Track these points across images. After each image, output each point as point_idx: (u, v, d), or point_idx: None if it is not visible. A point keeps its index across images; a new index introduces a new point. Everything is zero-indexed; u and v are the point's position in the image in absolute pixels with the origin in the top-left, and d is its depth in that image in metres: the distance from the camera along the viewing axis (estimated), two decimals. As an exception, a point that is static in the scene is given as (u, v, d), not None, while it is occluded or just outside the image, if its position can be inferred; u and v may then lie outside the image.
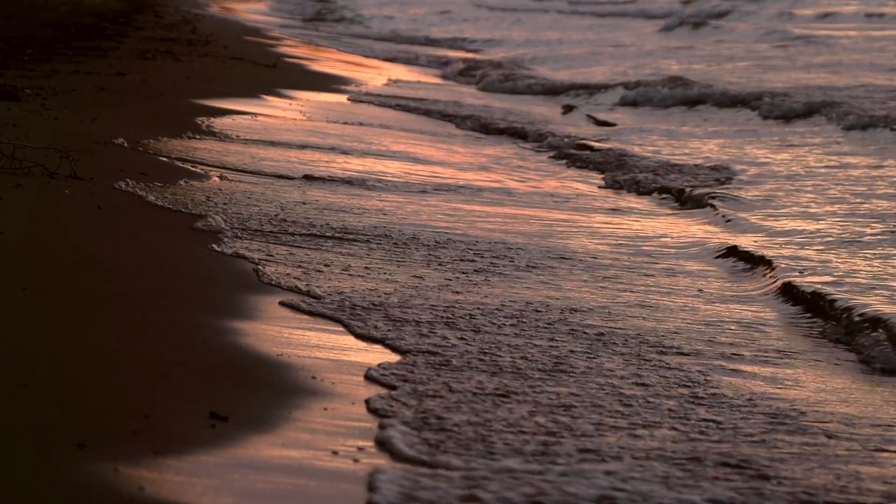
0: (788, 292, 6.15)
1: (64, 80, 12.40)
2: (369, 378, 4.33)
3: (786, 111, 15.13)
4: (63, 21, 21.05)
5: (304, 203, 7.60)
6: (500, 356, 4.73)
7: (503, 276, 6.20)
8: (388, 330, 4.94)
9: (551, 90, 18.83)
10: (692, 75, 19.07)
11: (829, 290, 6.05)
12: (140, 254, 5.84)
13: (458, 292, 5.73)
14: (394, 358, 4.62)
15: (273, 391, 4.08)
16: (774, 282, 6.37)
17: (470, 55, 26.35)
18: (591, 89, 18.46)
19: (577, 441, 3.87)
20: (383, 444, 3.67)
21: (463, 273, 6.15)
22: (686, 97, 16.88)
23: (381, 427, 3.80)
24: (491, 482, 3.45)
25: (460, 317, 5.26)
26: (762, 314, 5.91)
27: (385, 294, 5.53)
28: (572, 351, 4.91)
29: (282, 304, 5.18)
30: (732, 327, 5.60)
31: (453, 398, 4.17)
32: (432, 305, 5.40)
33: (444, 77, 20.00)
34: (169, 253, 5.92)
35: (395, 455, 3.61)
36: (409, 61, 23.68)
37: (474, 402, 4.15)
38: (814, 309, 5.88)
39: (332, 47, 25.82)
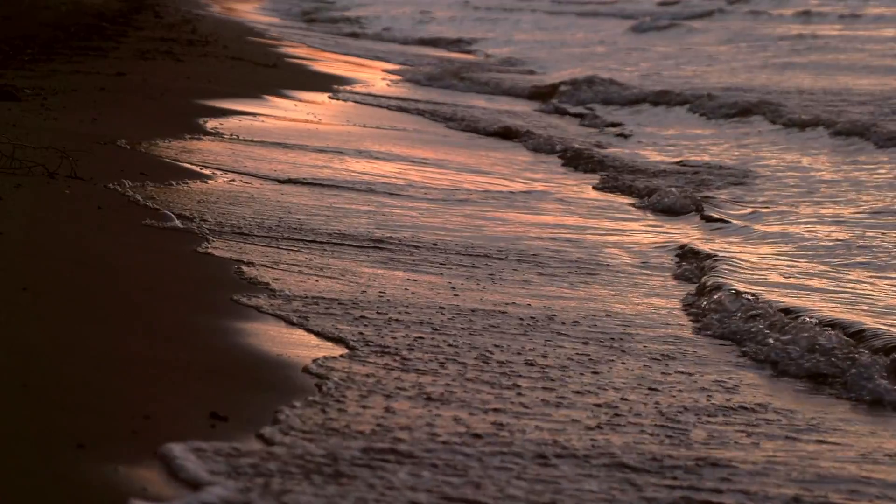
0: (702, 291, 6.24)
1: (64, 80, 12.40)
2: (306, 371, 4.31)
3: (721, 110, 15.36)
4: (63, 21, 21.04)
5: (304, 206, 7.60)
6: (460, 359, 4.69)
7: (506, 281, 6.18)
8: (345, 329, 4.91)
9: (524, 91, 18.98)
10: (648, 76, 19.36)
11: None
12: (140, 254, 5.84)
13: (457, 295, 5.73)
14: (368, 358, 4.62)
15: (273, 391, 4.08)
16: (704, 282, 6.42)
17: (460, 55, 26.70)
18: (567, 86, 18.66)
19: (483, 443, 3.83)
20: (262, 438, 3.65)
21: (464, 278, 6.14)
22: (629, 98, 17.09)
23: (274, 422, 3.77)
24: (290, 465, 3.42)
25: (446, 320, 5.24)
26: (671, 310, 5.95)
27: (376, 296, 5.53)
28: (548, 359, 4.88)
29: (245, 304, 5.15)
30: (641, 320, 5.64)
31: (373, 397, 4.12)
32: (422, 308, 5.39)
33: (435, 79, 20.00)
34: (169, 253, 5.92)
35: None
36: (405, 61, 23.72)
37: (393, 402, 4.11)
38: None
39: (330, 49, 25.82)
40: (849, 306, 5.98)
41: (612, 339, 5.23)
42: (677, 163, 11.79)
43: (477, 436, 3.82)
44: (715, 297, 5.89)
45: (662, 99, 16.79)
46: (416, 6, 44.33)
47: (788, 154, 12.37)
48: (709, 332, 5.48)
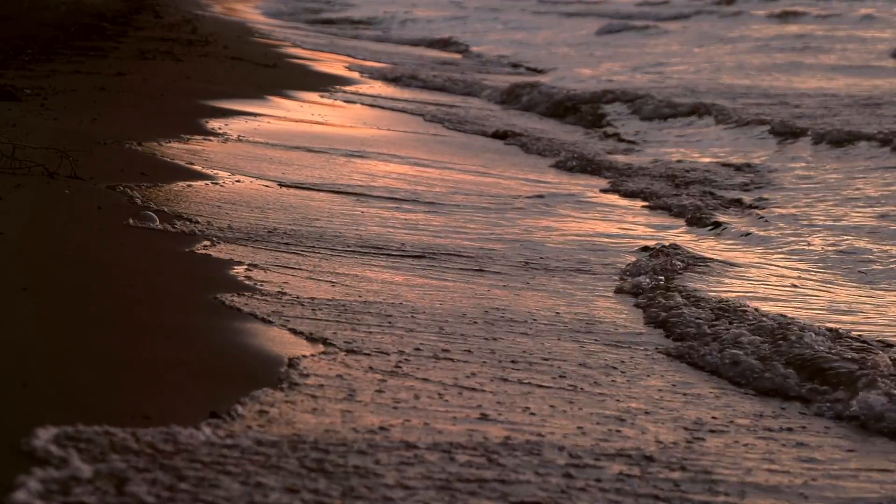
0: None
1: (64, 80, 12.39)
2: (277, 374, 4.27)
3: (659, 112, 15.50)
4: (63, 21, 21.04)
5: (313, 210, 7.58)
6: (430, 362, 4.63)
7: (533, 288, 6.14)
8: (343, 333, 4.89)
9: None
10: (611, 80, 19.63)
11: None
12: (141, 254, 5.83)
13: (480, 302, 5.68)
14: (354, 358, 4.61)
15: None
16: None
17: (453, 55, 27.13)
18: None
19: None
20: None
21: (488, 286, 6.08)
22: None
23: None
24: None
25: (462, 326, 5.19)
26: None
27: (387, 302, 5.52)
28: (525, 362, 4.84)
29: (248, 306, 5.14)
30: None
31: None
32: (437, 314, 5.36)
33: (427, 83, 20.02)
34: (168, 253, 5.91)
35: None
36: (401, 62, 23.78)
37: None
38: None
39: (329, 49, 25.82)
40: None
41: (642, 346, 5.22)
42: (678, 162, 11.80)
43: (438, 444, 3.70)
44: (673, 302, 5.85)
45: (605, 99, 16.82)
46: (414, 6, 44.57)
47: (781, 154, 12.39)
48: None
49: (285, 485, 3.25)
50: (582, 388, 4.47)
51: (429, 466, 3.49)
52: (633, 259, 7.02)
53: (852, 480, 3.75)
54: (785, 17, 33.26)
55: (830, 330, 5.33)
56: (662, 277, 6.42)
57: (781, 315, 5.59)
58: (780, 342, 5.03)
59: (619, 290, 6.19)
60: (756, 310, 5.70)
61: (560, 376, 4.59)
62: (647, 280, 6.29)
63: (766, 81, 19.49)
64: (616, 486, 3.52)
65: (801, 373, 4.74)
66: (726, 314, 5.57)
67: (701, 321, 5.46)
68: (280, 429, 3.67)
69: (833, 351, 4.92)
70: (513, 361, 4.72)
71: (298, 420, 3.77)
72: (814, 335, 5.12)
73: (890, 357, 4.88)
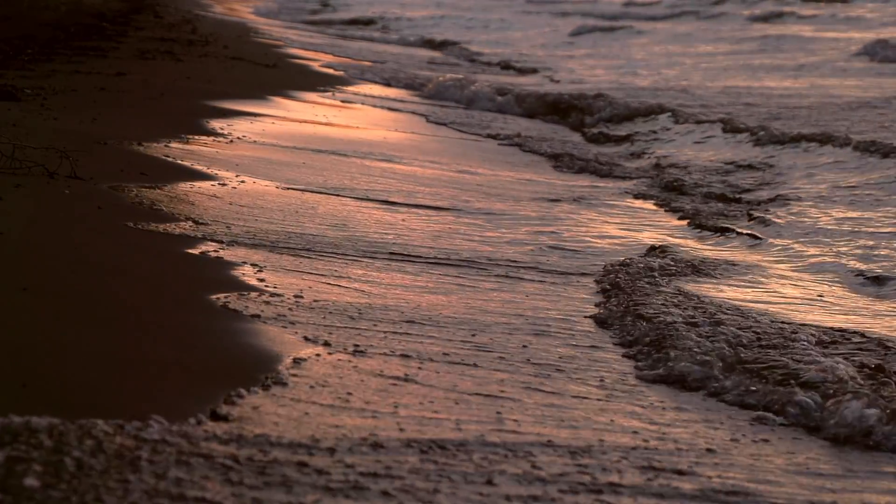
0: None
1: (64, 80, 12.38)
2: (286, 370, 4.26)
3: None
4: (63, 21, 21.04)
5: (321, 213, 7.56)
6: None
7: (563, 297, 6.10)
8: (345, 337, 4.87)
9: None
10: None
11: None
12: (141, 255, 5.82)
13: (473, 306, 5.64)
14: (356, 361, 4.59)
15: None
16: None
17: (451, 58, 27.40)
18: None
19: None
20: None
21: (511, 292, 6.02)
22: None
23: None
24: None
25: (479, 334, 5.11)
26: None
27: (403, 308, 5.49)
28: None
29: (249, 307, 5.12)
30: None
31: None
32: (456, 322, 5.29)
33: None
34: (169, 254, 5.90)
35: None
36: (401, 62, 23.80)
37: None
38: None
39: (329, 50, 25.83)
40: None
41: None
42: (680, 163, 11.80)
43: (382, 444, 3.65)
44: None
45: (599, 99, 16.83)
46: (407, 6, 44.85)
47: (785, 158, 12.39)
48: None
49: (203, 482, 3.21)
50: (615, 394, 4.44)
51: (400, 467, 3.46)
52: (643, 260, 6.99)
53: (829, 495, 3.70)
54: (771, 17, 33.35)
55: (822, 335, 5.29)
56: (666, 280, 6.40)
57: (785, 322, 5.55)
58: (769, 348, 4.99)
59: (616, 293, 6.16)
60: (751, 313, 5.66)
61: (600, 385, 4.57)
62: (647, 284, 6.27)
63: (760, 81, 19.49)
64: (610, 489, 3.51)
65: (782, 383, 4.61)
66: (716, 316, 5.52)
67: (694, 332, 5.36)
68: (243, 428, 3.65)
69: (819, 359, 4.83)
70: (557, 370, 4.68)
71: (276, 420, 3.74)
72: (804, 342, 5.07)
73: (885, 366, 4.81)
